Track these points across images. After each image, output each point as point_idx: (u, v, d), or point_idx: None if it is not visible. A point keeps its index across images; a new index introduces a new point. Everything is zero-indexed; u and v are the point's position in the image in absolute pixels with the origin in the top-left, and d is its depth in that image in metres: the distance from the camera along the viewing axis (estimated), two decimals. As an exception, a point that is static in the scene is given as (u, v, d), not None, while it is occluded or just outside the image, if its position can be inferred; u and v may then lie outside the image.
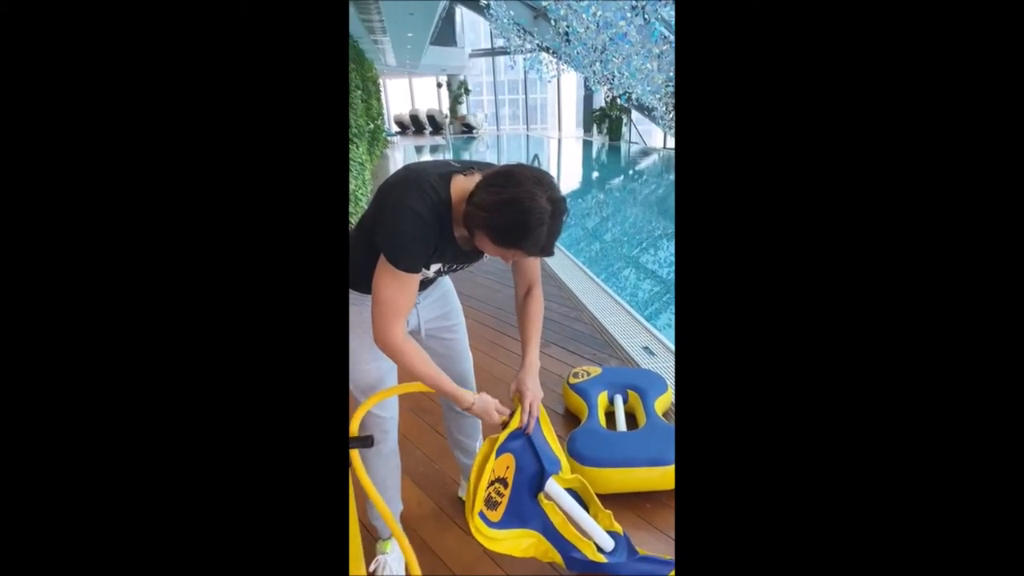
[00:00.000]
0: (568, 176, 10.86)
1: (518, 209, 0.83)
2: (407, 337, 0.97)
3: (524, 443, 1.09)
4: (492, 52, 17.48)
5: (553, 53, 10.15)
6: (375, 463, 1.19)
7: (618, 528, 1.20)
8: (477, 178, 0.90)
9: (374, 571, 1.23)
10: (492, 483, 1.03)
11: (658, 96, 8.88)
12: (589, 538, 1.13)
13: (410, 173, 0.94)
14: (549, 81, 11.90)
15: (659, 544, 1.35)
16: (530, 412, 1.08)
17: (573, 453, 1.51)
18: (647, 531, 1.39)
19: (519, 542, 1.08)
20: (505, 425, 1.07)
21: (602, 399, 1.79)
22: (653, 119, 10.87)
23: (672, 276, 4.80)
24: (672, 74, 7.86)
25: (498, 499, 1.06)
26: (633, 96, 9.22)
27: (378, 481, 1.21)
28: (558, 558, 1.11)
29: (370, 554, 1.25)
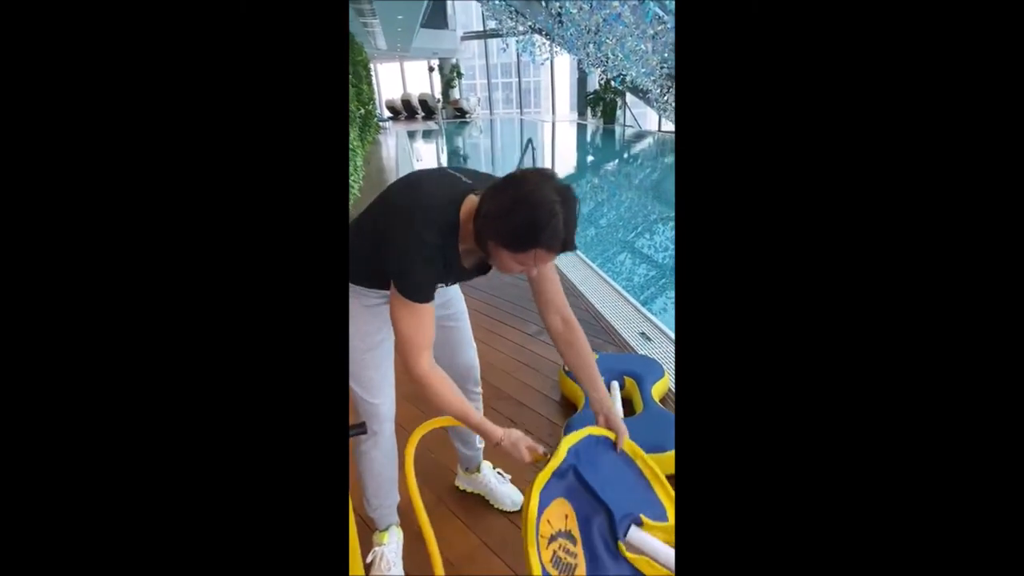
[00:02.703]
0: (563, 160, 10.78)
1: (527, 204, 0.80)
2: (432, 366, 0.96)
3: (573, 481, 0.92)
4: (484, 34, 17.23)
5: (546, 35, 10.02)
6: (371, 453, 1.17)
7: None
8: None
9: (371, 562, 1.22)
10: (553, 539, 0.85)
11: (653, 78, 8.79)
12: None
13: (421, 197, 0.93)
14: (542, 64, 11.76)
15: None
16: (619, 430, 1.05)
17: (571, 441, 1.49)
18: (646, 518, 1.39)
19: None
20: (543, 464, 0.91)
21: (599, 386, 1.78)
22: (648, 102, 10.78)
23: (668, 261, 4.80)
24: (667, 55, 7.77)
25: (571, 560, 0.86)
26: (627, 78, 9.13)
27: (375, 471, 1.20)
28: None
29: (367, 546, 1.24)
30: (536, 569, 0.81)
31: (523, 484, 1.27)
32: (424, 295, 0.92)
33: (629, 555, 0.89)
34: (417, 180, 0.97)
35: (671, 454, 1.45)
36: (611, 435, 1.03)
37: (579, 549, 0.88)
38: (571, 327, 1.11)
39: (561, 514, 0.89)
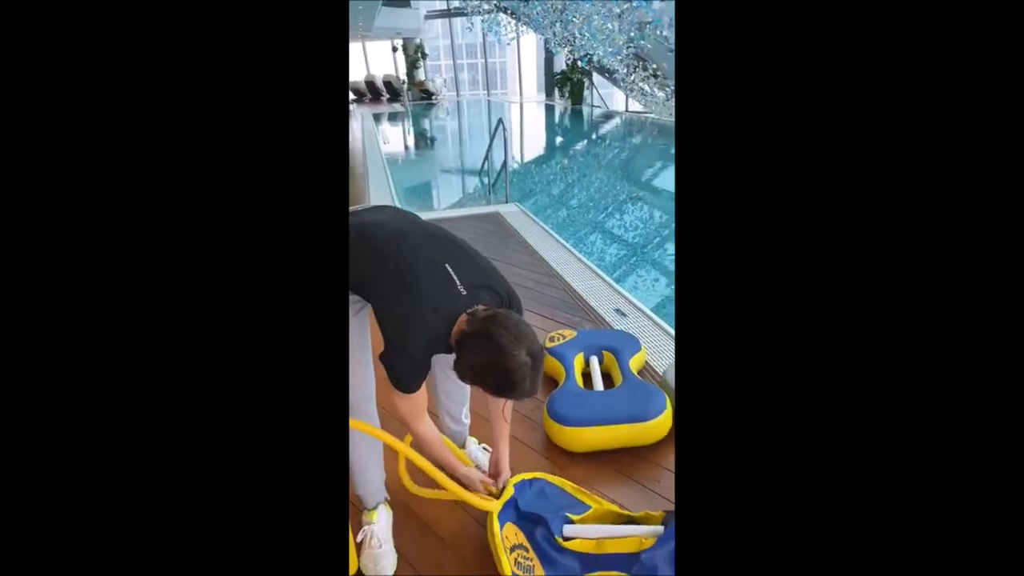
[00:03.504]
0: (531, 142, 10.73)
1: (501, 371, 0.94)
2: (428, 427, 1.15)
3: (512, 512, 1.26)
4: (449, 13, 16.86)
5: (512, 13, 9.89)
6: (355, 435, 1.17)
7: (626, 511, 1.29)
8: (477, 307, 1.01)
9: (362, 541, 1.23)
10: (513, 550, 1.17)
11: (619, 58, 8.79)
12: (629, 537, 1.20)
13: (420, 311, 0.99)
14: (508, 43, 11.62)
15: (640, 496, 1.40)
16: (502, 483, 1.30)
17: (553, 415, 1.53)
18: (627, 485, 1.44)
19: None
20: (499, 496, 1.26)
21: (578, 361, 1.82)
22: (615, 82, 10.78)
23: (638, 240, 4.87)
24: (633, 34, 7.78)
25: (530, 562, 1.18)
26: (594, 58, 9.10)
27: (359, 452, 1.20)
28: None
29: (356, 526, 1.25)
30: (507, 566, 1.12)
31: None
32: (416, 387, 1.05)
33: (566, 544, 1.21)
34: (412, 286, 1.01)
35: (651, 423, 1.50)
36: (537, 475, 1.38)
37: (532, 555, 1.20)
38: (505, 413, 1.32)
39: (512, 533, 1.22)
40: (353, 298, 1.12)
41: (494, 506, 1.19)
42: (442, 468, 1.18)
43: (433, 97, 17.42)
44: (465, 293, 1.02)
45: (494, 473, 1.31)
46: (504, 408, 1.26)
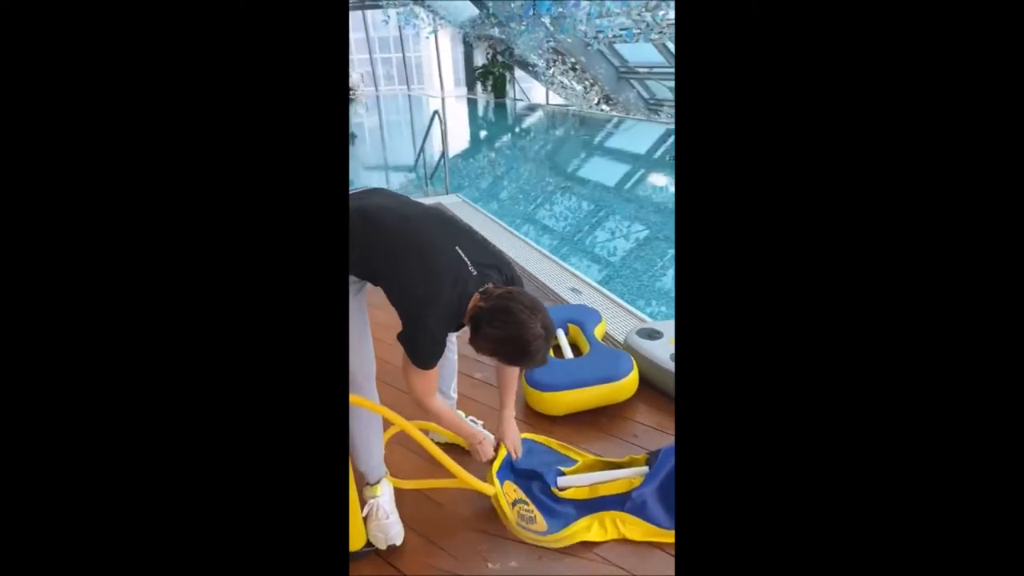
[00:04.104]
0: (456, 137, 10.72)
1: (520, 342, 1.04)
2: (440, 402, 1.23)
3: (508, 471, 1.38)
4: (363, 6, 16.36)
5: (428, 7, 9.81)
6: (356, 412, 1.21)
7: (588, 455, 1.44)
8: (487, 285, 1.09)
9: (368, 515, 1.26)
10: (515, 504, 1.29)
11: (539, 52, 9.00)
12: (619, 480, 1.33)
13: (435, 289, 1.05)
14: (427, 37, 11.50)
15: (620, 450, 1.53)
16: (514, 450, 1.39)
17: (532, 382, 1.63)
18: (607, 440, 1.57)
19: (586, 531, 1.24)
20: (492, 461, 1.36)
21: (547, 335, 1.93)
22: (535, 75, 11.00)
23: (569, 229, 5.07)
24: (552, 28, 7.99)
25: (531, 514, 1.29)
26: (515, 52, 9.25)
27: (362, 425, 1.24)
28: (627, 517, 1.25)
29: (361, 500, 1.28)
30: (513, 519, 1.24)
31: (493, 428, 1.45)
32: (432, 364, 1.11)
33: (562, 494, 1.33)
34: (430, 267, 1.06)
35: (621, 382, 1.64)
36: (533, 437, 1.53)
37: (532, 506, 1.31)
38: (509, 368, 1.39)
39: (511, 489, 1.34)
40: (351, 279, 1.16)
41: (491, 490, 1.26)
42: (462, 434, 1.33)
43: (352, 92, 16.84)
44: (475, 273, 1.09)
45: (502, 433, 1.39)
46: (513, 376, 1.36)
